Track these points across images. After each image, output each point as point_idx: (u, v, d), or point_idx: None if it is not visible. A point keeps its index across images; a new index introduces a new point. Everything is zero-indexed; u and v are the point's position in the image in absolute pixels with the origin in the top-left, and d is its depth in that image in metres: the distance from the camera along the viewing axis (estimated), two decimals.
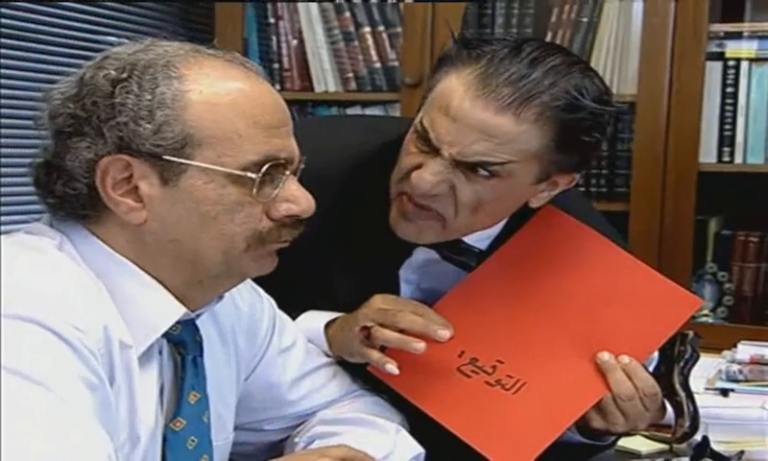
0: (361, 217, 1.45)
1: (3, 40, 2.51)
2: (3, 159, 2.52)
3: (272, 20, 2.83)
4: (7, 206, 2.50)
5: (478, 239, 1.49)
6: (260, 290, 1.36)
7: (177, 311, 1.11)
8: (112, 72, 1.06)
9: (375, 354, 1.36)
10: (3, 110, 2.52)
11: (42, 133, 1.11)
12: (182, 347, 1.16)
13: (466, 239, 1.48)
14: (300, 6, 2.80)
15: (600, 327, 1.43)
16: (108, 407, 1.03)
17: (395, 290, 1.48)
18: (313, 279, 1.45)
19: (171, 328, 1.12)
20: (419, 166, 1.37)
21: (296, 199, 1.13)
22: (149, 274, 1.10)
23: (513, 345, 1.43)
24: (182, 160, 1.06)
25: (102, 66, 1.08)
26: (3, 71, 2.51)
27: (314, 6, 2.79)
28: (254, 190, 1.09)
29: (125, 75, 1.06)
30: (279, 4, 2.82)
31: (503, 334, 1.44)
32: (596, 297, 1.45)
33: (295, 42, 2.82)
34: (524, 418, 1.37)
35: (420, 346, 1.33)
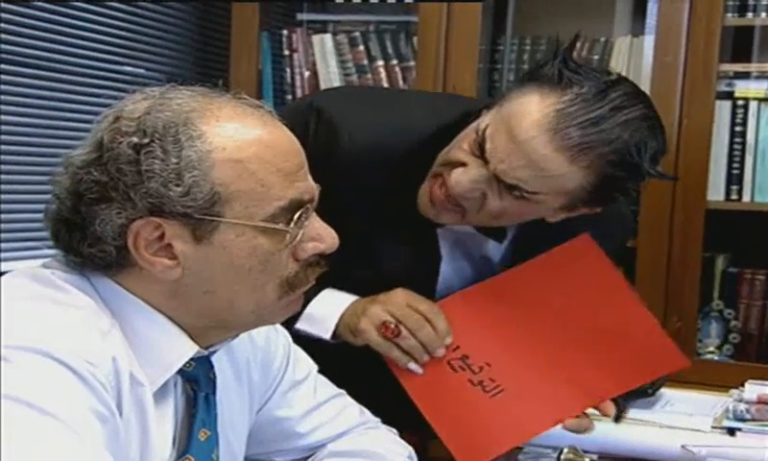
0: (409, 189, 1.54)
1: (4, 46, 2.46)
2: (5, 167, 2.47)
3: (286, 52, 2.87)
4: (8, 213, 2.48)
5: None
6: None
7: (190, 350, 1.13)
8: (134, 139, 1.07)
9: (396, 352, 1.50)
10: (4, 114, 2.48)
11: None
12: (195, 383, 1.17)
13: None
14: (315, 38, 2.84)
15: (590, 357, 1.53)
16: (119, 440, 1.04)
17: (435, 251, 1.60)
18: (359, 242, 1.52)
19: (185, 365, 1.14)
20: (463, 164, 1.45)
21: (320, 237, 1.15)
22: (164, 314, 1.11)
23: (503, 353, 1.53)
24: (213, 218, 1.07)
25: (118, 129, 1.08)
26: (4, 67, 2.46)
27: (328, 38, 2.83)
28: (288, 237, 1.11)
29: (147, 140, 1.06)
30: (294, 36, 2.86)
31: (498, 341, 1.54)
32: (595, 329, 1.55)
33: (308, 74, 2.85)
34: (492, 422, 1.48)
35: (420, 371, 1.51)
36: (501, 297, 1.56)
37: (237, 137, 1.09)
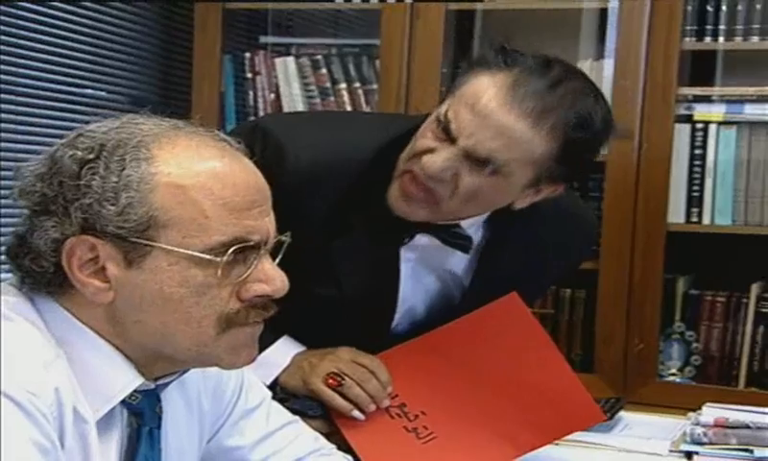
0: (367, 206, 1.59)
1: None
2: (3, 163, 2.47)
3: (249, 75, 2.86)
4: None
5: (469, 226, 1.64)
6: None
7: (133, 381, 1.11)
8: (80, 153, 1.06)
9: (340, 400, 1.60)
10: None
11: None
12: (140, 417, 1.15)
13: (462, 224, 1.63)
14: (278, 61, 2.84)
15: (515, 411, 1.61)
16: None
17: (395, 268, 1.64)
18: (317, 261, 1.58)
19: (130, 398, 1.12)
20: (431, 150, 1.50)
21: (268, 279, 1.11)
22: (112, 344, 1.10)
23: (438, 403, 1.62)
24: (146, 242, 1.06)
25: (73, 145, 1.08)
26: None
27: (291, 61, 2.83)
28: (219, 272, 1.07)
29: (92, 156, 1.06)
30: (257, 59, 2.86)
31: (434, 392, 1.63)
32: (520, 385, 1.63)
33: (272, 97, 2.85)
34: None
35: (362, 418, 1.60)
36: (436, 352, 1.65)
37: (186, 165, 1.07)
